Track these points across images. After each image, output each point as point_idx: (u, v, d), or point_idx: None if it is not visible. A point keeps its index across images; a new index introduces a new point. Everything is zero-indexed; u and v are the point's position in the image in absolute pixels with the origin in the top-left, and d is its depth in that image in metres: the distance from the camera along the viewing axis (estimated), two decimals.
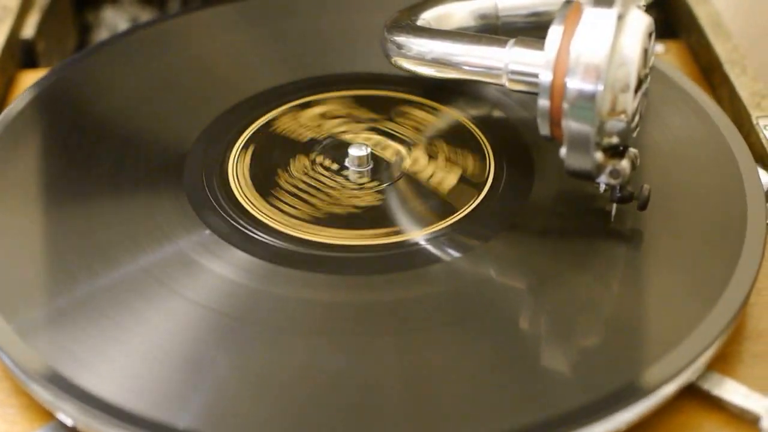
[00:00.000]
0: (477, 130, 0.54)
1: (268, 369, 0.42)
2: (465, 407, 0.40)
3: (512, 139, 0.53)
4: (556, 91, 0.44)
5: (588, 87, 0.43)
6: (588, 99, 0.43)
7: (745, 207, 0.48)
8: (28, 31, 0.65)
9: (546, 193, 0.50)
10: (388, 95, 0.57)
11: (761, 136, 0.54)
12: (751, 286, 0.45)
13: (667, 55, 0.64)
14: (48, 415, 0.42)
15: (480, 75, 0.49)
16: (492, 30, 0.54)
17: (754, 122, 0.54)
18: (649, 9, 0.66)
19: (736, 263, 0.46)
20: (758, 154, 0.53)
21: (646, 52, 0.45)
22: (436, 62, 0.50)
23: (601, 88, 0.43)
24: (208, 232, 0.48)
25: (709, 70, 0.61)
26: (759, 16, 0.82)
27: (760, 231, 0.47)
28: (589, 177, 0.46)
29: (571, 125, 0.43)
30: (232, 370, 0.42)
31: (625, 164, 0.45)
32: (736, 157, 0.51)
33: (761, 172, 0.52)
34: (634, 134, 0.47)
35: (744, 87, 0.57)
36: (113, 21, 0.72)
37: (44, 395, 0.41)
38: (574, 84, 0.43)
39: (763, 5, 0.82)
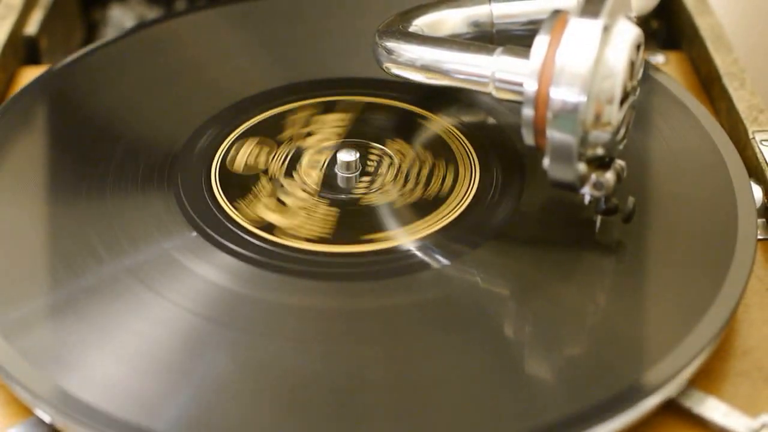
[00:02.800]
0: (466, 139, 0.54)
1: (251, 374, 0.42)
2: (450, 413, 0.40)
3: (504, 147, 0.53)
4: (541, 100, 0.44)
5: (571, 97, 0.43)
6: (571, 109, 0.43)
7: (736, 221, 0.48)
8: (31, 28, 0.65)
9: (536, 201, 0.50)
10: (381, 102, 0.57)
11: (756, 150, 0.53)
12: (737, 303, 0.44)
13: (667, 66, 0.63)
14: (26, 412, 0.42)
15: (467, 83, 0.49)
16: (486, 38, 0.54)
17: (750, 136, 0.54)
18: (651, 19, 0.66)
19: (724, 278, 0.45)
20: (753, 168, 0.53)
21: (633, 64, 0.45)
22: (425, 69, 0.50)
23: (584, 98, 0.43)
24: (194, 234, 0.48)
25: (709, 83, 0.61)
26: (762, 29, 0.81)
27: (750, 246, 0.47)
28: (573, 188, 0.45)
29: (553, 135, 0.43)
30: (213, 374, 0.42)
31: (609, 176, 0.45)
32: (730, 170, 0.51)
33: (754, 186, 0.51)
34: (621, 146, 0.46)
35: (742, 100, 0.57)
36: (120, 20, 0.73)
37: (22, 393, 0.41)
38: (558, 94, 0.43)
39: (766, 18, 0.82)
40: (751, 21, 0.81)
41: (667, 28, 0.68)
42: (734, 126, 0.56)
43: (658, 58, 0.64)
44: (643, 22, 0.66)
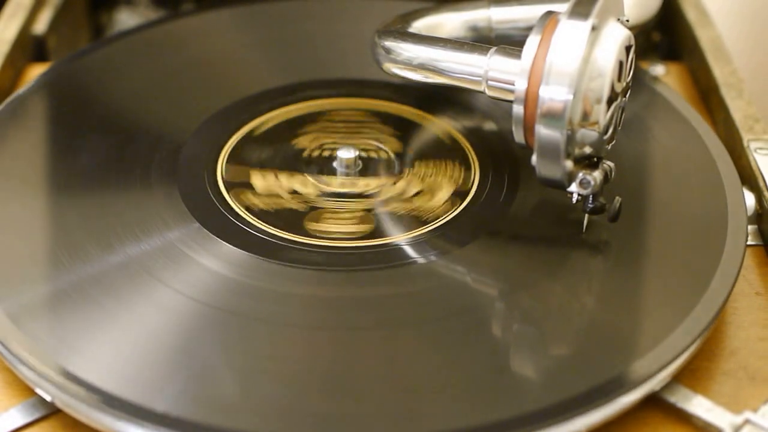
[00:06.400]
0: (465, 140, 0.55)
1: (250, 359, 0.43)
2: (432, 401, 0.41)
3: (500, 150, 0.54)
4: (530, 98, 0.45)
5: (559, 95, 0.44)
6: (558, 107, 0.44)
7: (726, 226, 0.49)
8: (40, 26, 0.66)
9: (529, 202, 0.50)
10: (381, 103, 0.57)
11: (751, 158, 0.54)
12: (722, 304, 0.45)
13: (668, 77, 0.64)
14: (28, 392, 0.43)
15: (462, 81, 0.49)
16: (485, 42, 0.54)
17: (745, 145, 0.54)
18: (652, 31, 0.67)
19: (710, 280, 0.46)
20: (747, 176, 0.53)
21: (622, 65, 0.45)
22: (422, 68, 0.51)
23: (570, 97, 0.43)
24: (197, 225, 0.49)
25: (708, 93, 0.61)
26: (762, 40, 0.82)
27: (738, 250, 0.47)
28: (561, 185, 0.46)
29: (541, 132, 0.44)
30: (214, 359, 0.43)
31: (596, 175, 0.46)
32: (723, 177, 0.52)
33: (747, 193, 0.52)
34: (609, 146, 0.47)
35: (738, 110, 0.57)
36: (126, 23, 0.74)
37: (24, 372, 0.42)
38: (546, 92, 0.44)
39: (766, 30, 0.82)
40: (750, 33, 0.82)
41: (669, 40, 0.69)
42: (731, 135, 0.57)
43: (659, 69, 0.64)
44: (645, 34, 0.67)
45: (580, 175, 0.46)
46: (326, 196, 0.51)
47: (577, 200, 0.47)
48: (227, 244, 0.48)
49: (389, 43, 0.52)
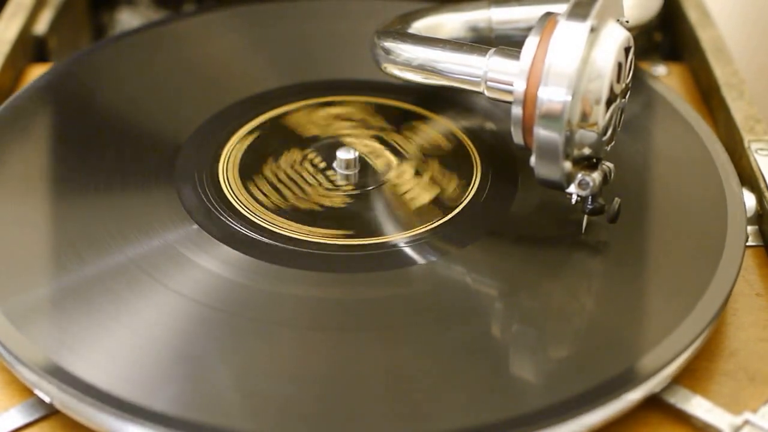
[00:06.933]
0: (465, 140, 0.55)
1: (249, 359, 0.43)
2: (433, 402, 0.41)
3: (500, 150, 0.54)
4: (529, 99, 0.45)
5: (558, 96, 0.44)
6: (557, 108, 0.44)
7: (725, 227, 0.49)
8: (41, 27, 0.66)
9: (529, 203, 0.50)
10: (382, 102, 0.58)
11: (751, 159, 0.54)
12: (721, 306, 0.45)
13: (669, 77, 0.64)
14: (27, 393, 0.43)
15: (461, 82, 0.50)
16: (485, 43, 0.54)
17: (746, 145, 0.54)
18: (654, 31, 0.67)
19: (710, 281, 0.46)
20: (748, 176, 0.53)
21: (621, 66, 0.45)
22: (421, 68, 0.51)
23: (569, 98, 0.43)
24: (195, 227, 0.49)
25: (709, 93, 0.61)
26: (763, 41, 0.82)
27: (738, 252, 0.47)
28: (560, 187, 0.46)
29: (540, 133, 0.44)
30: (212, 359, 0.43)
31: (595, 176, 0.46)
32: (722, 178, 0.52)
33: (747, 194, 0.52)
34: (608, 147, 0.47)
35: (739, 110, 0.57)
36: (128, 23, 0.74)
37: (23, 372, 0.42)
38: (545, 93, 0.44)
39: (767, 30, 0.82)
40: (752, 33, 0.82)
41: (670, 40, 0.69)
42: (731, 136, 0.56)
43: (660, 70, 0.64)
44: (646, 34, 0.67)
45: (579, 176, 0.46)
46: (326, 196, 0.51)
47: (577, 201, 0.47)
48: (225, 245, 0.48)
49: (389, 44, 0.52)
